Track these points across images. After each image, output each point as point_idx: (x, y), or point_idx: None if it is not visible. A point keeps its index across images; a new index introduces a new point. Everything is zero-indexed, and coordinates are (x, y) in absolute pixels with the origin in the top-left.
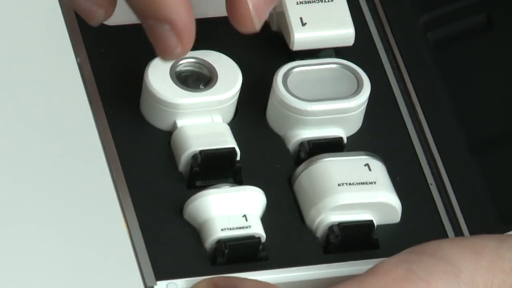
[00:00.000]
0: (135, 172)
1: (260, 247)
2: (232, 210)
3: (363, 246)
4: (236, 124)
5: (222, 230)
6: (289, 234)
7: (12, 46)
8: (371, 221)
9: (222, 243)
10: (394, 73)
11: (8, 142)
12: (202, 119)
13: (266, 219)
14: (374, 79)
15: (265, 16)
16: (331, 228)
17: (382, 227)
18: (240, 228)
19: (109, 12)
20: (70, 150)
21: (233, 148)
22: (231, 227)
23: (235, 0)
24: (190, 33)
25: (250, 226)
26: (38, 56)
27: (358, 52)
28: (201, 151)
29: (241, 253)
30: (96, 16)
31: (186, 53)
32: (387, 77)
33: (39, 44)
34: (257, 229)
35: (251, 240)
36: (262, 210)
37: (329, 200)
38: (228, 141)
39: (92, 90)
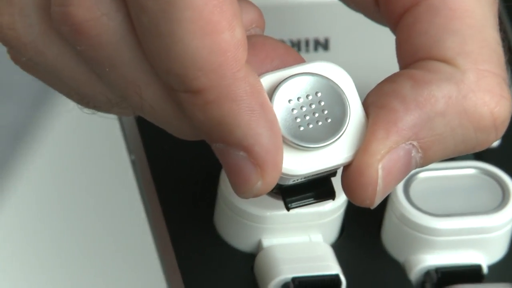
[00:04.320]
0: None
1: None
2: None
3: None
4: (342, 246)
5: None
6: None
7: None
8: None
9: None
10: None
11: None
12: (297, 238)
13: None
14: None
15: (390, 191)
16: None
17: None
18: None
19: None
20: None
21: (337, 276)
22: None
23: (360, 167)
24: (275, 163)
25: None
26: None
27: (505, 154)
28: (294, 279)
29: None
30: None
31: (268, 190)
32: None
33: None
34: None
35: None
36: None
37: None
38: (330, 266)
39: (151, 196)
